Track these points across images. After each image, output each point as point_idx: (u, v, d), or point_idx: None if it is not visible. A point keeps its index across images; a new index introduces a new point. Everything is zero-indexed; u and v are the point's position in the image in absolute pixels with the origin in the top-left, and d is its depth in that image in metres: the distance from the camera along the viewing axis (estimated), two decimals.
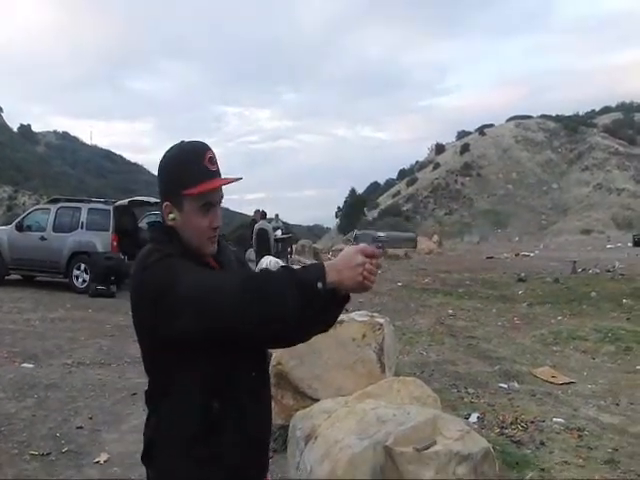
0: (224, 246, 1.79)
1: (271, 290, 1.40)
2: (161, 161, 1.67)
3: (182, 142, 1.68)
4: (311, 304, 1.39)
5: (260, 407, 1.71)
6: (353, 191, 67.02)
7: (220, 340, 1.48)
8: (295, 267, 1.51)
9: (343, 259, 1.44)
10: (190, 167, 1.60)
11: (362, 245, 1.48)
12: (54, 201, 14.48)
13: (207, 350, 1.51)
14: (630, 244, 32.06)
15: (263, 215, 15.18)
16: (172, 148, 1.67)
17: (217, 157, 1.67)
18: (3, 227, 15.30)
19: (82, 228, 13.19)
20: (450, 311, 11.60)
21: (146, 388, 1.69)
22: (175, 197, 1.62)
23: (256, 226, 14.19)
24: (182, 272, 1.50)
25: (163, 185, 1.66)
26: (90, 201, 14.21)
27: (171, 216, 1.64)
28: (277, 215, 20.75)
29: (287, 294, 1.38)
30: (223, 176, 1.67)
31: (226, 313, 1.42)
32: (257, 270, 9.42)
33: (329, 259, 22.75)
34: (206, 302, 1.43)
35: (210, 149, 1.66)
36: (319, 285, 1.38)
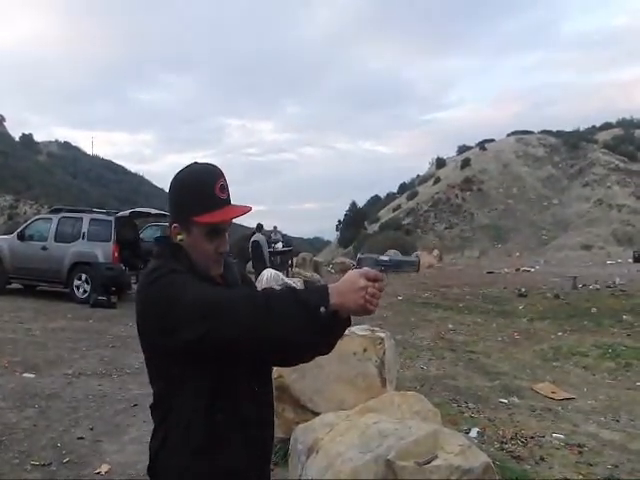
0: (230, 264, 1.81)
1: (275, 309, 1.42)
2: (172, 182, 1.69)
3: (194, 165, 1.71)
4: (313, 327, 1.41)
5: (263, 421, 1.73)
6: (354, 204, 67.05)
7: (223, 354, 1.50)
8: (299, 285, 1.54)
9: (346, 282, 1.46)
10: (201, 195, 1.63)
11: (365, 269, 1.50)
12: (56, 211, 14.52)
13: (211, 363, 1.54)
14: (630, 260, 32.01)
15: (258, 228, 15.24)
16: (184, 171, 1.69)
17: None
18: (5, 236, 15.35)
19: (83, 238, 13.22)
20: (450, 325, 11.60)
21: (151, 401, 1.71)
22: (184, 221, 1.66)
23: (252, 238, 14.26)
24: (187, 287, 1.53)
25: (173, 207, 1.69)
26: (92, 211, 14.26)
27: (179, 237, 1.67)
28: (275, 227, 20.80)
29: (290, 315, 1.40)
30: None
31: (229, 328, 1.44)
32: (256, 282, 9.43)
33: (329, 272, 22.79)
34: (210, 316, 1.45)
35: (222, 176, 1.68)
36: (322, 310, 1.40)
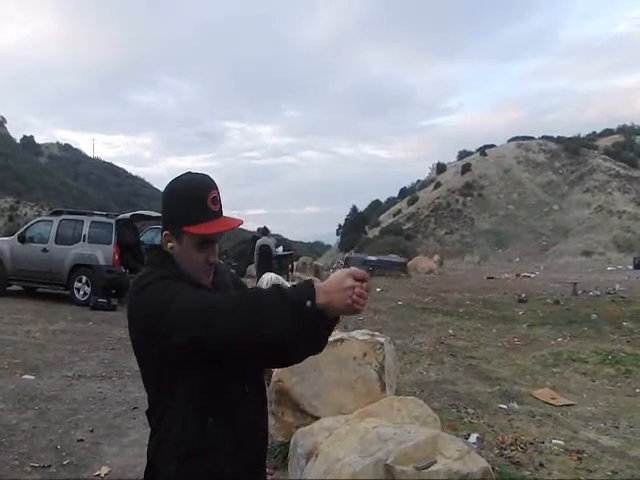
0: (222, 270, 1.83)
1: (262, 308, 1.43)
2: (165, 191, 1.71)
3: (188, 174, 1.72)
4: (300, 323, 1.41)
5: (255, 422, 1.73)
6: (354, 209, 67.08)
7: (213, 356, 1.51)
8: (286, 285, 1.55)
9: (333, 282, 1.46)
10: (192, 205, 1.64)
11: (352, 268, 1.50)
12: (57, 213, 14.54)
13: (201, 367, 1.55)
14: (630, 266, 32.08)
15: (265, 231, 15.23)
16: (177, 180, 1.70)
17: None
18: (5, 238, 15.35)
19: (84, 241, 13.24)
20: (450, 331, 11.60)
21: (147, 406, 1.73)
22: (175, 230, 1.67)
23: (258, 242, 14.21)
24: (176, 292, 1.54)
25: (165, 215, 1.72)
26: (92, 214, 14.25)
27: (170, 245, 1.69)
28: (269, 231, 20.82)
29: (277, 313, 1.41)
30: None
31: (218, 330, 1.44)
32: (257, 284, 9.41)
33: (329, 276, 22.85)
34: (200, 320, 1.46)
35: (215, 188, 1.69)
36: (308, 304, 1.40)
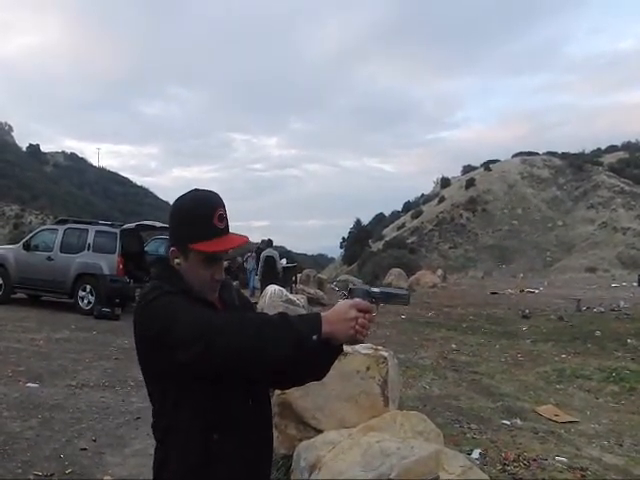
0: (228, 285, 1.85)
1: (268, 335, 1.45)
2: (172, 208, 1.73)
3: (195, 191, 1.74)
4: (305, 354, 1.44)
5: (260, 438, 1.74)
6: (358, 222, 67.01)
7: (215, 375, 1.54)
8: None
9: (337, 312, 1.50)
10: (199, 223, 1.66)
11: (356, 300, 1.56)
12: (62, 222, 14.63)
13: (205, 382, 1.57)
14: (635, 283, 31.88)
15: (269, 243, 15.27)
16: (184, 197, 1.72)
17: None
18: (10, 246, 15.43)
19: (89, 250, 13.31)
20: (454, 346, 11.56)
21: (152, 420, 1.74)
22: (181, 247, 1.69)
23: (263, 253, 14.26)
24: (181, 309, 1.56)
25: (172, 232, 1.74)
26: (97, 223, 14.33)
27: (177, 261, 1.71)
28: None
29: (281, 343, 1.44)
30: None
31: (220, 351, 1.46)
32: (260, 297, 9.45)
33: (333, 289, 22.78)
34: (203, 340, 1.47)
35: (221, 205, 1.70)
36: (314, 337, 1.44)
